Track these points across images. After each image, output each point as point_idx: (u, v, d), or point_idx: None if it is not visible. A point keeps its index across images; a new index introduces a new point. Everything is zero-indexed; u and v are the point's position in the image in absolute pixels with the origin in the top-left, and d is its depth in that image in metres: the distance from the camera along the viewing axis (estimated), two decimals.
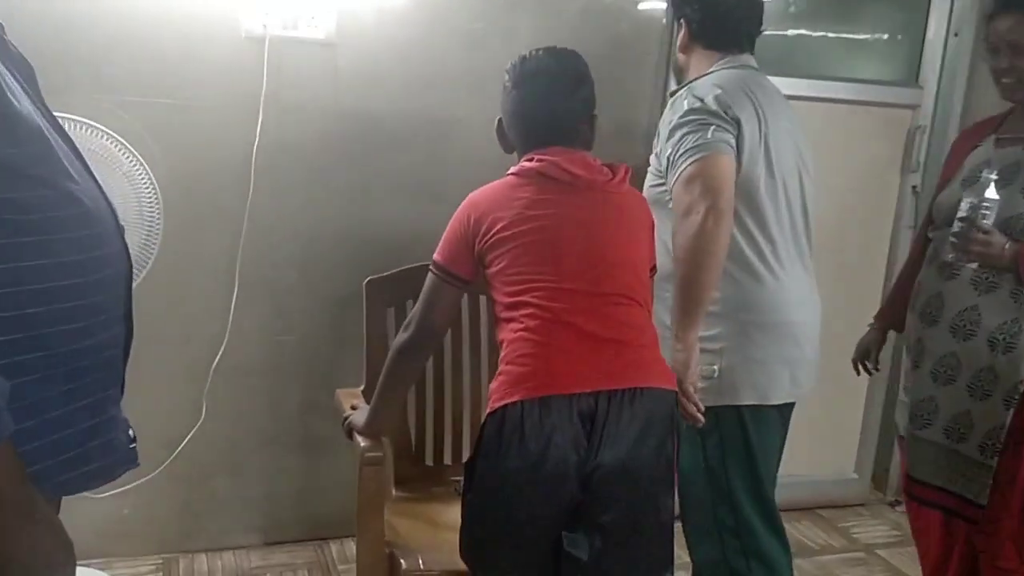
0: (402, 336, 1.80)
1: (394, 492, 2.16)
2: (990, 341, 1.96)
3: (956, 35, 3.14)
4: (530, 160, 1.68)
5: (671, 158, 1.88)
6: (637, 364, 1.63)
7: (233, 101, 2.38)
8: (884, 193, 3.12)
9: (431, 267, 1.74)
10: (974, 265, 1.97)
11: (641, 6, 2.76)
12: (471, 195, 1.71)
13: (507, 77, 1.74)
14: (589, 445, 1.57)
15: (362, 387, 2.14)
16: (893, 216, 3.15)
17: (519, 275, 1.63)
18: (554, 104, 1.70)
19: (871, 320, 2.43)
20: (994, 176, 1.92)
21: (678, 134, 1.87)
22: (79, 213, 1.08)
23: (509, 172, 1.70)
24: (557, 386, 1.57)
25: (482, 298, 2.28)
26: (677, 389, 1.72)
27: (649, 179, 2.01)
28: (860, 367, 2.42)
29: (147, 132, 2.29)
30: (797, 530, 3.11)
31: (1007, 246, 1.91)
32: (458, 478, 1.83)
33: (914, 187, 3.10)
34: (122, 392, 1.19)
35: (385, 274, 2.21)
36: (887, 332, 2.40)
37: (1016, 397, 1.95)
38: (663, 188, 1.92)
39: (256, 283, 2.47)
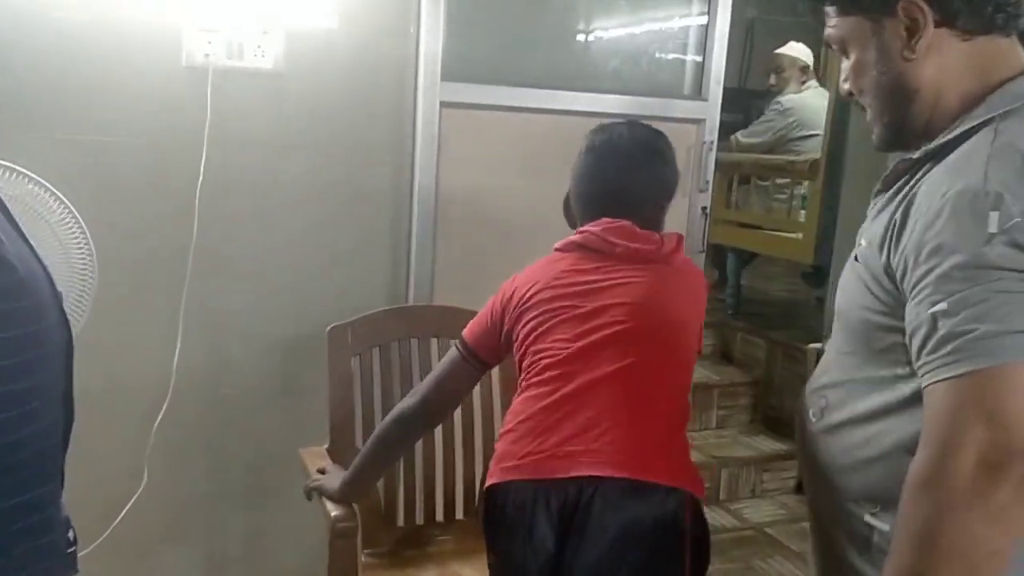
0: (406, 402, 1.71)
1: (363, 559, 1.98)
2: None
3: None
4: (577, 233, 1.61)
5: (926, 305, 1.02)
6: (638, 453, 1.45)
7: (174, 136, 2.19)
8: (673, 216, 2.79)
9: (457, 341, 1.69)
10: None
11: None
12: (514, 275, 1.67)
13: (582, 145, 1.68)
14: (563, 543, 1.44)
15: (326, 446, 1.97)
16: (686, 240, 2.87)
17: (535, 337, 1.55)
18: (621, 177, 1.62)
19: None
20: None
21: (955, 278, 0.99)
22: (9, 282, 0.90)
23: (554, 247, 1.64)
24: (534, 468, 1.47)
25: (452, 343, 2.13)
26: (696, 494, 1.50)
27: (863, 292, 1.16)
28: None
29: (77, 174, 2.09)
30: (770, 566, 3.03)
31: None
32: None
33: (704, 208, 2.82)
34: (61, 486, 1.03)
35: (350, 320, 2.05)
36: None
37: None
38: (885, 322, 1.13)
39: (201, 333, 2.27)
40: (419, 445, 2.07)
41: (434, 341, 2.12)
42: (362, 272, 2.41)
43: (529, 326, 1.55)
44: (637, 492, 1.43)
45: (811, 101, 4.27)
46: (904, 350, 1.08)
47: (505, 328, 1.60)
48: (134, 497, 2.23)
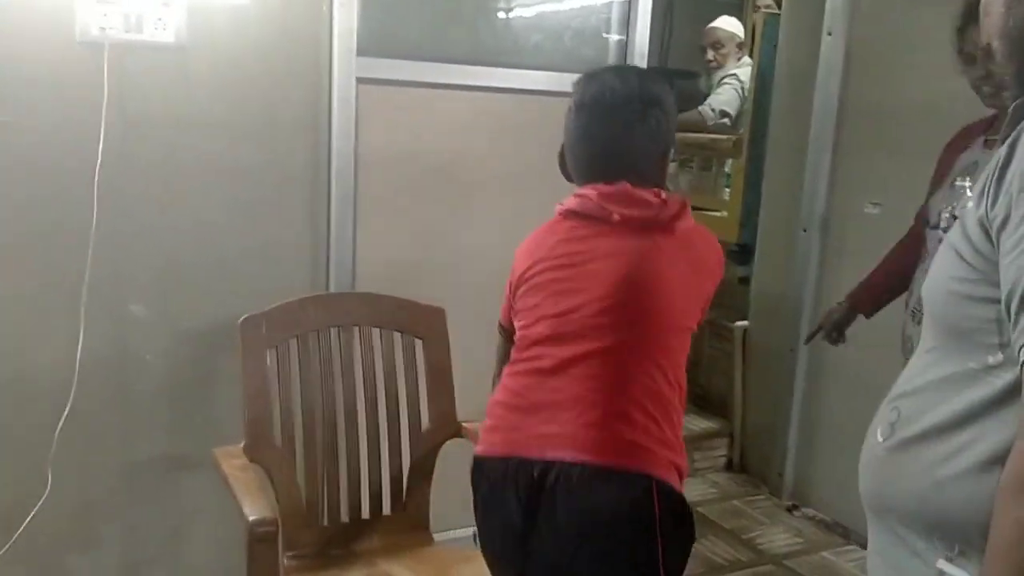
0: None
1: (285, 561, 1.88)
2: None
3: (830, 34, 3.15)
4: (573, 196, 1.53)
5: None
6: (609, 438, 1.41)
7: (68, 116, 2.03)
8: None
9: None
10: None
11: None
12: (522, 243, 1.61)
13: (571, 99, 1.56)
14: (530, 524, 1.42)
15: (243, 443, 1.85)
16: None
17: (525, 312, 1.52)
18: (615, 135, 1.50)
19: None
20: (968, 183, 1.91)
21: None
22: None
23: (556, 209, 1.57)
24: (509, 446, 1.46)
25: (374, 332, 2.04)
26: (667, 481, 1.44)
27: (951, 261, 1.01)
28: (827, 337, 2.42)
29: None
30: (703, 547, 3.02)
31: None
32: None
33: None
34: None
35: (264, 311, 1.93)
36: (856, 313, 2.41)
37: None
38: (976, 292, 0.97)
39: (106, 325, 2.13)
40: (341, 438, 1.98)
41: (356, 330, 2.02)
42: (279, 258, 2.30)
43: (521, 302, 1.53)
44: (602, 477, 1.39)
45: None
46: (997, 329, 0.90)
47: (516, 301, 1.57)
48: (38, 504, 2.08)
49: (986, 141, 2.11)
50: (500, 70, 2.52)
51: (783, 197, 3.41)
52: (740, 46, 4.39)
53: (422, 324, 2.07)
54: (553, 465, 1.39)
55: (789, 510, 3.40)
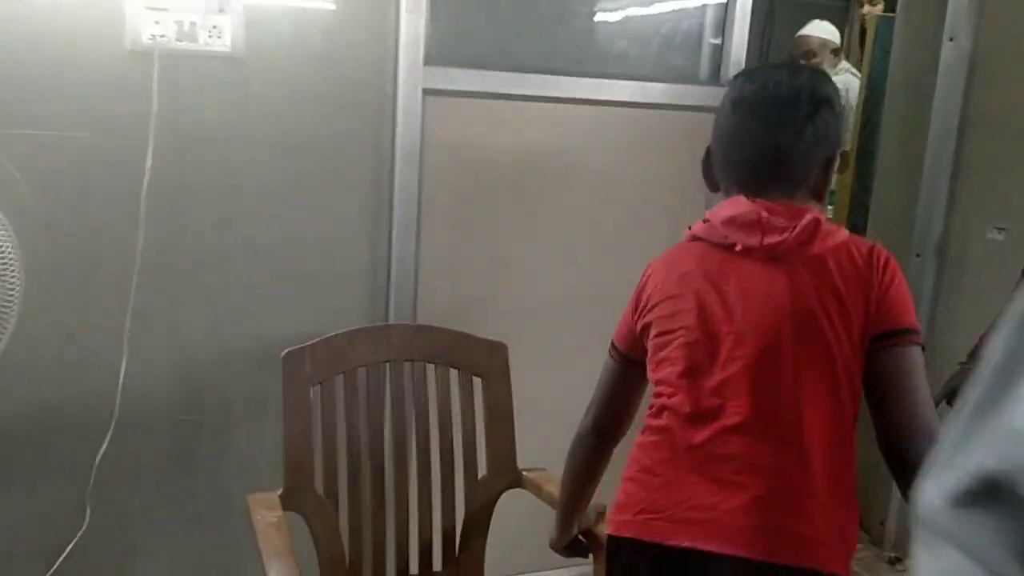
0: (581, 424, 1.54)
1: None
2: None
3: (952, 39, 2.84)
4: (705, 220, 1.37)
5: None
6: (771, 523, 1.22)
7: (116, 129, 1.92)
8: (680, 225, 2.42)
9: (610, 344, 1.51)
10: None
11: None
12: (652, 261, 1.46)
13: (724, 96, 1.41)
14: None
15: (280, 491, 1.69)
16: None
17: (657, 365, 1.36)
18: (776, 135, 1.32)
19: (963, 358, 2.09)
20: None
21: None
22: None
23: (688, 230, 1.42)
24: (645, 529, 1.29)
25: (429, 368, 1.86)
26: None
27: None
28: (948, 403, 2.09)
29: (4, 172, 1.83)
30: None
31: None
32: None
33: None
34: None
35: (308, 344, 1.77)
36: None
37: None
38: None
39: (149, 352, 2.01)
40: (389, 486, 1.80)
41: (407, 366, 1.85)
42: (336, 284, 2.14)
43: (652, 344, 1.37)
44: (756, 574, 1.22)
45: (855, 84, 3.94)
46: None
47: (638, 328, 1.41)
48: (75, 538, 1.97)
49: None
50: (580, 80, 2.32)
51: (894, 218, 3.09)
52: (836, 52, 4.07)
53: (481, 360, 1.88)
54: (699, 557, 1.23)
55: (891, 562, 3.10)
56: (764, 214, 1.27)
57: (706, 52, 2.52)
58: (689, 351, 1.29)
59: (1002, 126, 2.73)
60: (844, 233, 1.30)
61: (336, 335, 1.79)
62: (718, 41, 2.49)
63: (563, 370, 2.27)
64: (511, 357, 1.93)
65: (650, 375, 1.37)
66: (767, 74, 1.37)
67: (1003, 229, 2.70)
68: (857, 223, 3.42)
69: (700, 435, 1.26)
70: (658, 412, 1.33)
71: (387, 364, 1.83)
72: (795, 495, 1.22)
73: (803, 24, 4.20)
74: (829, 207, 3.79)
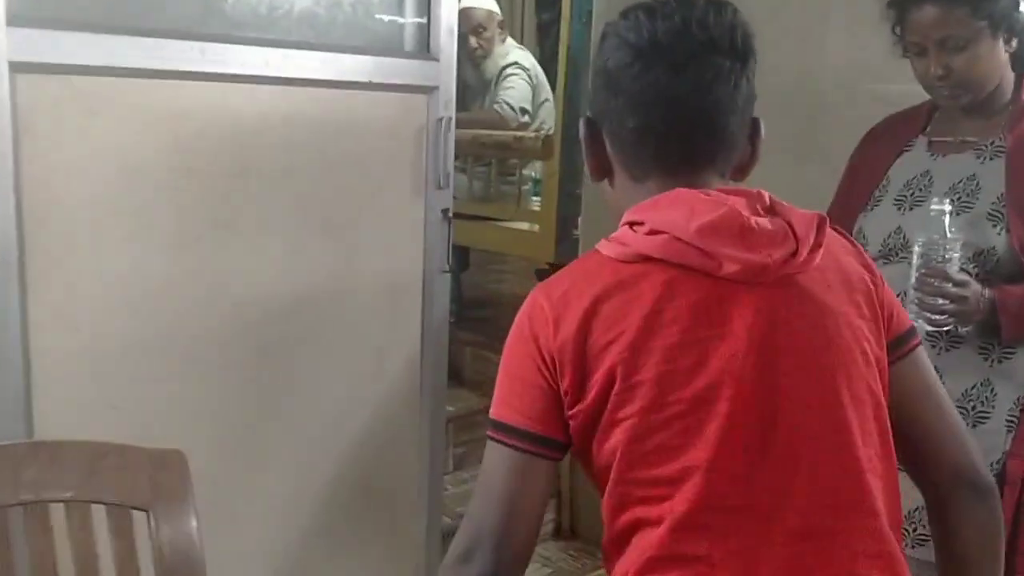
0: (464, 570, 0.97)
1: None
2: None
3: None
4: (638, 223, 0.97)
5: None
6: None
7: None
8: (403, 222, 2.00)
9: (492, 432, 0.99)
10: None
11: None
12: (539, 290, 1.00)
13: (612, 41, 1.02)
14: None
15: None
16: (422, 254, 2.03)
17: (643, 473, 0.94)
18: (711, 93, 0.98)
19: None
20: (948, 207, 1.51)
21: None
22: None
23: (616, 243, 0.99)
24: None
25: (55, 509, 1.16)
26: None
27: None
28: None
29: None
30: None
31: (984, 294, 1.52)
32: None
33: (446, 211, 2.04)
34: None
35: None
36: None
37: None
38: None
39: None
40: None
41: (15, 514, 1.12)
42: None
43: (614, 440, 0.94)
44: None
45: (532, 59, 3.61)
46: None
47: (568, 393, 0.96)
48: None
49: (931, 143, 1.69)
50: (247, 50, 1.68)
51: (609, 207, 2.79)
52: (501, 25, 3.76)
53: (142, 483, 1.21)
54: None
55: None
56: (746, 215, 0.95)
57: (410, 17, 1.98)
58: (682, 436, 0.93)
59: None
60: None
61: None
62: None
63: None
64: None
65: (617, 471, 0.95)
66: (682, 10, 0.97)
67: None
68: (567, 214, 3.09)
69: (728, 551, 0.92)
70: (641, 526, 0.94)
71: None
72: None
73: None
74: (535, 198, 3.44)
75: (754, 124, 1.05)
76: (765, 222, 0.96)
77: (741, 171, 1.06)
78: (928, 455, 1.07)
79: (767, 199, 1.00)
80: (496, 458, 0.97)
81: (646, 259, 0.95)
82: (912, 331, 1.08)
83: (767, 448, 0.92)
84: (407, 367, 2.06)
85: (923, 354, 1.09)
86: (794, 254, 0.95)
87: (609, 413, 0.94)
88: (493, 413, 0.99)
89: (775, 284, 0.96)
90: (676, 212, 0.95)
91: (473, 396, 3.38)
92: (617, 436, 0.93)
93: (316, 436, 1.92)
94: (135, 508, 1.21)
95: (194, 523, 1.26)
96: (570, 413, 0.96)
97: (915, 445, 1.06)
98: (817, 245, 0.98)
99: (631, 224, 0.98)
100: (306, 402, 1.89)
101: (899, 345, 1.06)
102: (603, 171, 1.06)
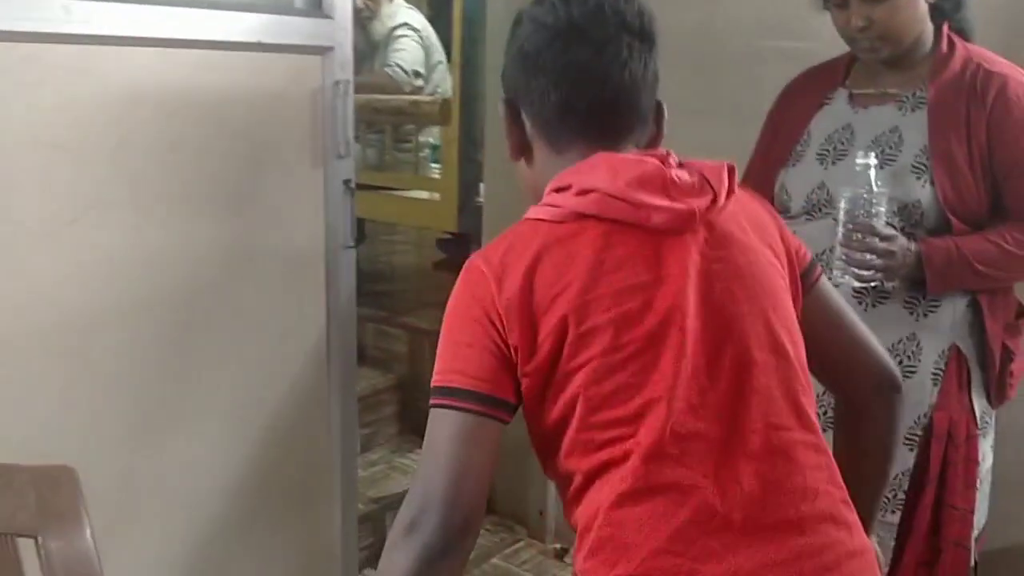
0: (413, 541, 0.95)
1: None
2: None
3: None
4: (565, 187, 1.03)
5: None
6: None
7: None
8: (301, 195, 1.85)
9: (438, 399, 0.98)
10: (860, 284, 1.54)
11: None
12: (476, 257, 1.04)
13: (528, 26, 1.09)
14: None
15: None
16: (324, 229, 1.89)
17: (606, 415, 0.97)
18: (628, 68, 1.06)
19: None
20: (874, 161, 1.49)
21: None
22: None
23: (547, 206, 1.03)
24: None
25: None
26: None
27: None
28: None
29: None
30: None
31: (910, 248, 1.51)
32: None
33: (347, 182, 1.90)
34: None
35: None
36: None
37: (919, 433, 1.58)
38: None
39: None
40: None
41: None
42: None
43: (572, 387, 0.98)
44: None
45: (423, 19, 3.46)
46: None
47: (517, 352, 0.99)
48: None
49: (852, 96, 1.67)
50: (113, 7, 1.49)
51: (513, 173, 2.69)
52: None
53: (27, 506, 1.05)
54: None
55: (559, 555, 2.80)
56: (667, 169, 1.02)
57: None
58: (639, 374, 0.98)
59: None
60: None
61: None
62: None
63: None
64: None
65: (580, 414, 0.98)
66: None
67: None
68: (469, 182, 2.98)
69: (708, 488, 0.98)
70: (610, 465, 0.97)
71: None
72: None
73: None
74: (434, 165, 3.31)
75: (659, 106, 1.12)
76: (684, 174, 1.03)
77: (649, 147, 1.12)
78: (853, 368, 1.18)
79: (675, 157, 1.07)
80: (442, 424, 0.97)
81: (580, 216, 1.01)
82: (814, 262, 1.17)
83: (718, 376, 0.99)
84: (313, 351, 1.92)
85: (827, 281, 1.17)
86: (714, 201, 1.03)
87: (564, 363, 0.97)
88: (438, 380, 0.99)
89: (701, 229, 1.03)
90: (601, 172, 1.01)
91: (377, 375, 3.27)
92: (576, 383, 0.97)
93: (217, 431, 1.78)
94: (21, 535, 1.05)
95: (90, 543, 1.12)
96: (524, 371, 0.98)
97: (836, 363, 1.17)
98: (731, 191, 1.06)
99: (558, 189, 1.03)
100: (204, 395, 1.75)
101: (808, 276, 1.14)
102: (522, 150, 1.11)
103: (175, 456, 1.71)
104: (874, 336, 1.18)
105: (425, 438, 0.98)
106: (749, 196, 1.14)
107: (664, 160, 1.05)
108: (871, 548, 1.05)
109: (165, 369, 1.68)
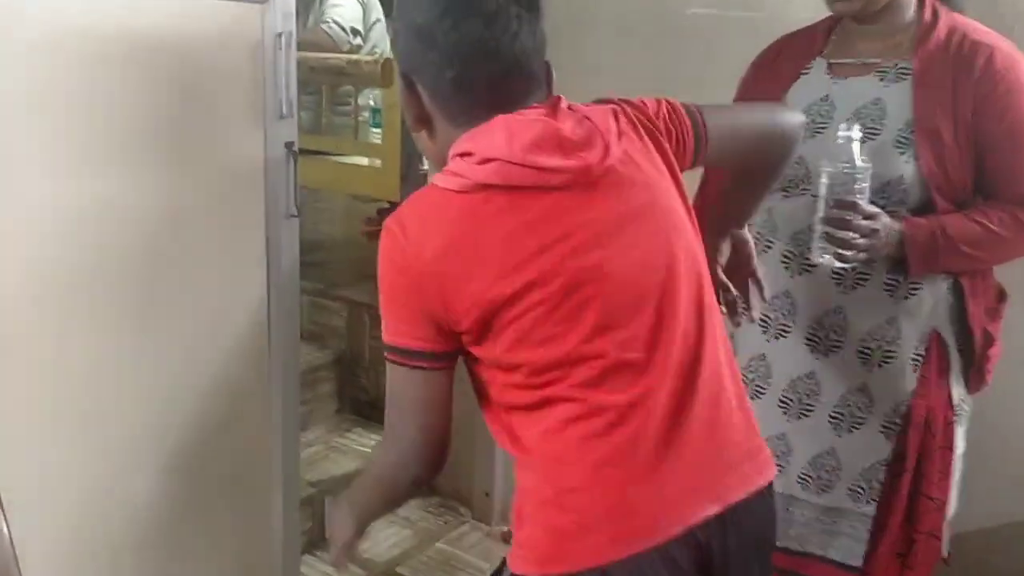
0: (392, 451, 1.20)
1: None
2: (861, 352, 1.55)
3: None
4: (468, 153, 1.08)
5: None
6: (737, 460, 1.17)
7: None
8: (240, 159, 1.72)
9: (392, 356, 1.13)
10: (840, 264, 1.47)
11: None
12: (394, 224, 1.10)
13: (420, 6, 1.11)
14: None
15: None
16: (264, 196, 1.77)
17: (537, 357, 1.09)
18: (517, 47, 1.10)
19: None
20: (858, 134, 1.41)
21: None
22: None
23: (453, 175, 1.08)
24: (643, 533, 1.08)
25: None
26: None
27: None
28: None
29: None
30: None
31: (894, 227, 1.45)
32: None
33: (290, 145, 1.80)
34: None
35: None
36: None
37: (898, 422, 1.54)
38: None
39: None
40: None
41: None
42: None
43: (506, 339, 1.08)
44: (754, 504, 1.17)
45: None
46: None
47: (443, 319, 1.09)
48: None
49: (831, 66, 1.58)
50: None
51: None
52: None
53: None
54: (717, 519, 1.13)
55: (506, 539, 2.70)
56: (559, 125, 1.10)
57: None
58: (568, 307, 1.08)
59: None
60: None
61: None
62: None
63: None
64: None
65: (510, 357, 1.10)
66: None
67: None
68: (412, 148, 2.83)
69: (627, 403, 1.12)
70: (552, 402, 1.10)
71: None
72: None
73: None
74: (375, 129, 3.15)
75: (547, 67, 1.16)
76: (577, 128, 1.10)
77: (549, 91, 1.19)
78: (763, 151, 1.34)
79: (564, 101, 1.13)
80: (401, 377, 1.12)
81: (485, 187, 1.07)
82: (698, 114, 1.23)
83: (640, 307, 1.09)
84: (252, 328, 1.78)
85: (710, 114, 1.24)
86: (606, 149, 1.10)
87: (497, 320, 1.06)
88: (388, 339, 1.11)
89: (600, 177, 1.10)
90: (498, 136, 1.07)
91: (313, 350, 3.12)
92: (510, 334, 1.07)
93: (147, 412, 1.63)
94: None
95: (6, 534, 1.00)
96: (459, 331, 1.09)
97: (748, 155, 1.33)
98: (620, 134, 1.12)
99: (461, 155, 1.08)
100: (134, 380, 1.59)
101: (701, 132, 1.22)
102: (423, 121, 1.15)
103: (99, 439, 1.56)
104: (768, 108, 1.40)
105: (389, 384, 1.14)
106: (607, 105, 1.18)
107: (555, 108, 1.11)
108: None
109: (88, 355, 1.52)
